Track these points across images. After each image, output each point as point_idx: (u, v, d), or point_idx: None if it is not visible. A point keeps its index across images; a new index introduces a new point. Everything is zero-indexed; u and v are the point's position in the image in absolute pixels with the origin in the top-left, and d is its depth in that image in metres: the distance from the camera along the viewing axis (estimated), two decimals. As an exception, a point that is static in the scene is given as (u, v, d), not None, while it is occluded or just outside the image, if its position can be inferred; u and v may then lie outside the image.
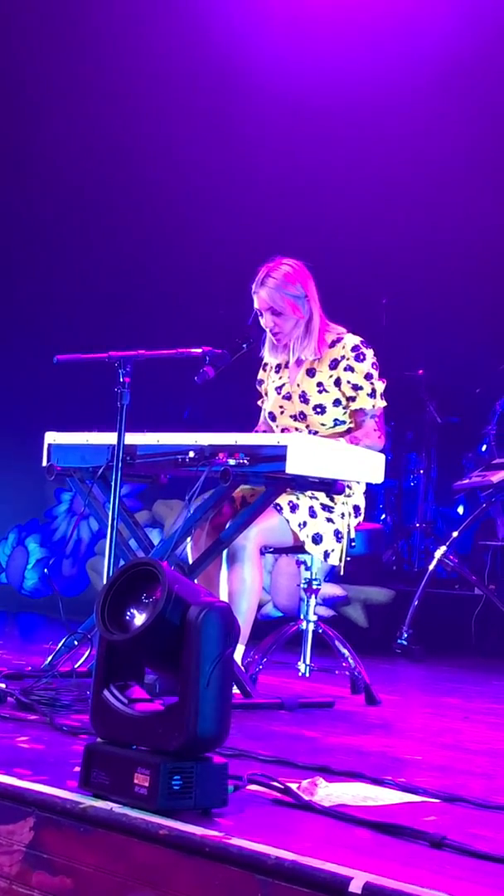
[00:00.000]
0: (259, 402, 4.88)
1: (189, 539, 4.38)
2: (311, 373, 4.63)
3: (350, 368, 4.57)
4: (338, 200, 8.45)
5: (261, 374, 4.86)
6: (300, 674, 4.55)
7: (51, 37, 9.01)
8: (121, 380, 4.10)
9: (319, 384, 4.60)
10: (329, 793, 2.69)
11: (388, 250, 8.40)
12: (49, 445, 4.65)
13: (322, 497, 4.46)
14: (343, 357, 4.59)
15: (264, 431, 4.74)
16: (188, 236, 8.80)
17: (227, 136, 8.84)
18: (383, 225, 8.41)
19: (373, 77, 8.45)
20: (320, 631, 4.55)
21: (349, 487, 4.45)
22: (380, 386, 4.59)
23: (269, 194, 8.69)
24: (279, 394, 4.71)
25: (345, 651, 4.54)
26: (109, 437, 4.24)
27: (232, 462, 4.02)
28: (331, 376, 4.59)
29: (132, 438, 4.25)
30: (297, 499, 4.42)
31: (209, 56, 8.86)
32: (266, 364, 4.81)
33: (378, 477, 4.32)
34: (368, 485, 4.54)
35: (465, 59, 8.15)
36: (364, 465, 4.28)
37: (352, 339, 4.62)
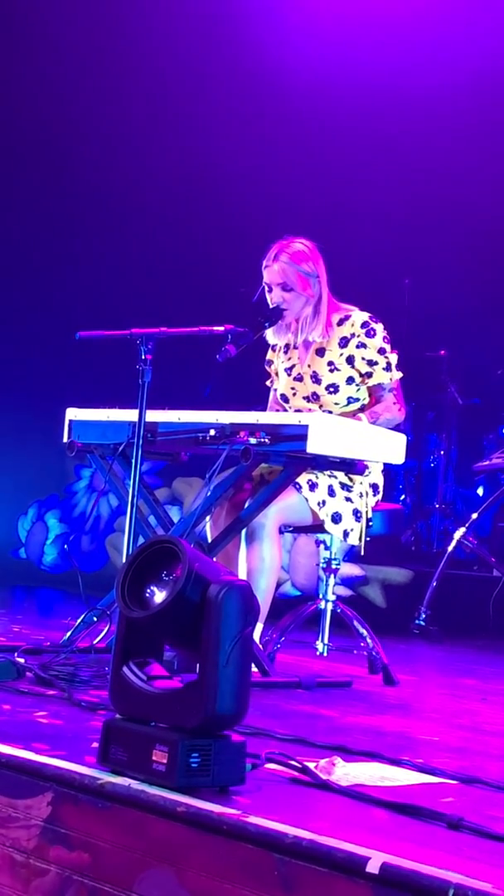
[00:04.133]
0: (268, 383, 4.86)
1: (209, 517, 4.38)
2: (320, 353, 4.61)
3: (362, 345, 4.55)
4: (360, 179, 8.42)
5: (269, 355, 4.83)
6: (318, 653, 4.55)
7: (61, 15, 8.98)
8: (142, 357, 4.09)
9: (330, 363, 4.58)
10: (346, 772, 2.69)
11: (411, 230, 8.37)
12: (70, 422, 4.64)
13: (341, 476, 4.45)
14: (353, 335, 4.56)
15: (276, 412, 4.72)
16: (210, 214, 8.77)
17: (249, 112, 8.81)
18: (406, 204, 8.36)
19: (397, 55, 8.40)
20: (338, 611, 4.54)
21: (368, 467, 4.43)
22: (394, 358, 4.58)
23: (291, 173, 8.66)
24: (290, 375, 4.68)
25: (363, 631, 4.54)
26: (130, 415, 4.23)
27: (253, 441, 4.01)
28: (341, 354, 4.57)
29: (153, 416, 4.24)
30: (317, 477, 4.40)
31: (226, 33, 8.82)
32: (275, 345, 4.79)
33: (399, 457, 4.31)
34: (388, 465, 4.52)
35: (492, 44, 8.10)
36: (385, 446, 4.26)
37: (360, 316, 4.60)
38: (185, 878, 2.24)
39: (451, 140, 8.35)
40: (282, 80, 8.70)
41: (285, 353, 4.74)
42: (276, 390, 4.78)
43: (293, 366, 4.68)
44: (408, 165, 8.38)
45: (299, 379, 4.65)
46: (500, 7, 8.18)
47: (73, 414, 4.65)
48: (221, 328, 4.21)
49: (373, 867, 2.00)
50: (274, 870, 2.12)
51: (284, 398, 4.70)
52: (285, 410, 4.67)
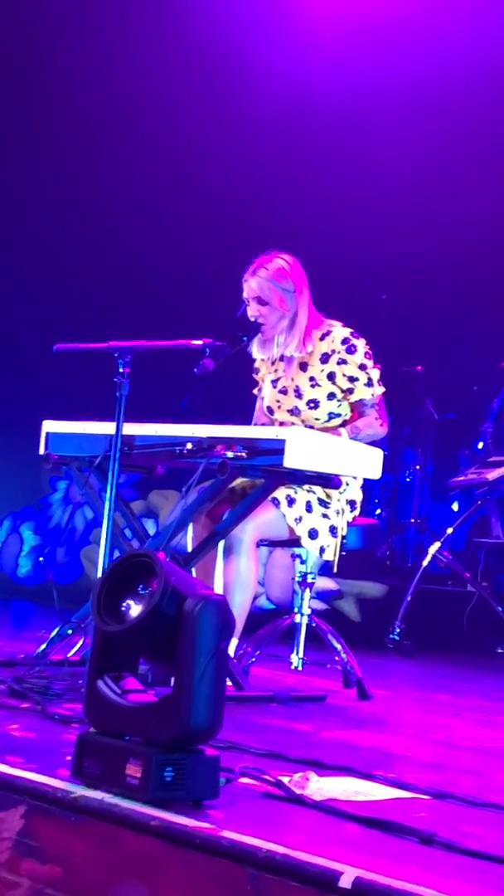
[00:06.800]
0: (255, 391, 4.88)
1: (188, 529, 4.39)
2: (303, 367, 4.63)
3: (343, 361, 4.57)
4: (339, 195, 8.44)
5: (257, 363, 4.85)
6: (293, 667, 4.55)
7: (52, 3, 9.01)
8: (120, 370, 4.10)
9: (312, 378, 4.60)
10: (320, 787, 2.70)
11: (389, 246, 8.39)
12: (47, 434, 4.64)
13: (319, 491, 4.46)
14: (334, 351, 4.59)
15: (263, 423, 4.74)
16: (190, 227, 8.79)
17: (230, 125, 8.83)
18: (384, 220, 8.40)
19: (378, 70, 8.44)
20: (313, 624, 4.55)
21: (346, 483, 4.44)
22: (375, 373, 4.60)
23: (272, 187, 8.69)
24: (275, 387, 4.71)
25: (337, 645, 4.55)
26: (108, 427, 4.23)
27: (230, 454, 4.01)
28: (322, 370, 4.59)
29: (130, 429, 4.24)
30: (295, 493, 4.42)
31: (214, 42, 8.84)
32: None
33: (376, 472, 4.32)
34: (366, 479, 4.54)
35: (470, 59, 8.14)
36: (362, 461, 4.28)
37: (341, 332, 4.62)
38: (158, 892, 2.24)
39: (430, 156, 8.39)
40: (264, 93, 8.73)
41: (272, 364, 4.77)
42: (262, 399, 4.80)
43: (279, 378, 4.71)
44: (386, 179, 8.41)
45: (283, 392, 4.68)
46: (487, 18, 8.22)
47: (49, 426, 4.65)
48: (199, 342, 4.22)
49: (346, 882, 2.01)
50: (247, 884, 2.12)
51: (270, 410, 4.73)
52: (271, 422, 4.69)
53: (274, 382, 4.73)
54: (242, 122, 8.81)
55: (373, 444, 4.47)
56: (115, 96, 8.94)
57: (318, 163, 8.61)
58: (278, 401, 4.69)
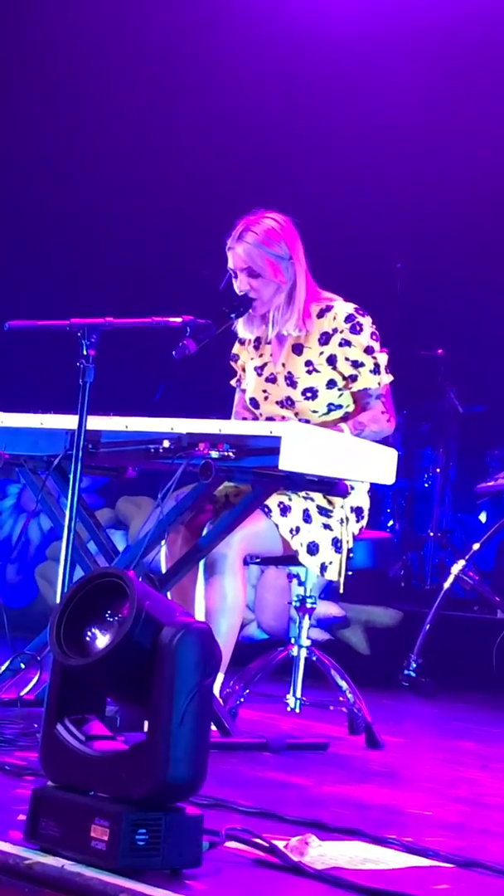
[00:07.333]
0: (233, 382, 4.86)
1: (161, 545, 4.38)
2: (297, 350, 4.61)
3: (346, 343, 4.56)
4: (342, 143, 8.44)
5: (236, 348, 4.82)
6: (289, 709, 4.54)
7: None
8: (84, 353, 4.09)
9: (308, 363, 4.59)
10: (322, 853, 2.70)
11: (404, 205, 8.39)
12: (-5, 428, 4.63)
13: (319, 498, 4.46)
14: (336, 330, 4.57)
15: (243, 419, 4.73)
16: (167, 185, 8.77)
17: (215, 63, 8.81)
18: (398, 175, 8.39)
19: (398, 15, 8.43)
20: (314, 658, 4.55)
21: (352, 487, 4.44)
22: (383, 359, 4.59)
23: (265, 138, 8.69)
24: (260, 375, 4.69)
25: (342, 683, 4.54)
26: (69, 421, 4.22)
27: (214, 454, 4.00)
28: (322, 353, 4.58)
29: (96, 423, 4.23)
30: (290, 500, 4.41)
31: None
32: (243, 338, 4.78)
33: (389, 476, 4.31)
34: (375, 485, 4.54)
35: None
36: (373, 462, 4.26)
37: (344, 308, 4.61)
38: None
39: (454, 95, 8.38)
40: (261, 37, 8.71)
41: (256, 348, 4.74)
42: (243, 392, 4.79)
43: (265, 364, 4.69)
44: (400, 125, 8.39)
45: (272, 380, 4.66)
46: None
47: (-1, 419, 4.64)
48: (179, 319, 4.21)
49: None
50: None
51: (254, 403, 4.70)
52: (255, 418, 4.68)
53: (259, 370, 4.70)
54: (230, 59, 8.79)
55: (384, 441, 4.47)
56: (79, 35, 8.93)
57: (318, 106, 8.60)
58: (265, 391, 4.68)
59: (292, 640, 4.56)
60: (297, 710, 4.55)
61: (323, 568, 4.45)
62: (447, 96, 8.39)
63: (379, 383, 4.59)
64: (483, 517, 8.08)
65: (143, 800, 2.44)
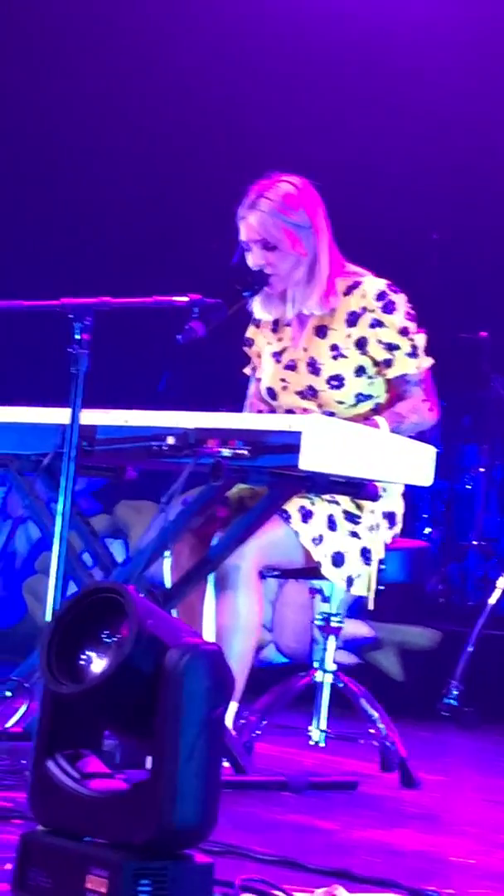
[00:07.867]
0: (247, 370, 4.86)
1: (166, 556, 4.38)
2: (321, 332, 4.61)
3: (378, 323, 4.55)
4: (370, 99, 8.45)
5: (250, 332, 4.81)
6: (312, 742, 4.56)
7: None
8: (77, 337, 4.09)
9: (334, 347, 4.58)
10: (351, 906, 2.70)
11: (441, 171, 8.39)
12: (-23, 424, 4.65)
13: (345, 502, 4.46)
14: (365, 309, 4.56)
15: (259, 412, 4.73)
16: (171, 148, 8.78)
17: (228, 20, 8.82)
18: (433, 132, 8.40)
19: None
20: (340, 685, 4.56)
21: (384, 490, 4.44)
22: (421, 340, 4.58)
23: (283, 91, 8.69)
24: (279, 362, 4.68)
25: (373, 713, 4.55)
26: (60, 415, 4.23)
27: (226, 452, 4.01)
28: (349, 335, 4.57)
29: (91, 417, 4.24)
30: (312, 504, 4.42)
31: None
32: (259, 320, 4.78)
33: (426, 478, 4.30)
34: (410, 487, 4.54)
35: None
36: (407, 461, 4.25)
37: (374, 284, 4.60)
38: None
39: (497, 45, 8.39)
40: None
41: (273, 331, 4.74)
42: (258, 381, 4.79)
43: (284, 349, 4.69)
44: (437, 87, 8.41)
45: (291, 367, 4.66)
46: None
47: (-20, 414, 4.65)
48: (185, 299, 4.20)
49: None
50: None
51: (271, 393, 4.70)
52: (272, 410, 4.68)
53: (277, 356, 4.70)
54: (242, 6, 8.80)
55: (420, 437, 4.46)
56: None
57: (342, 59, 8.60)
58: (284, 380, 4.67)
59: (315, 665, 4.57)
60: (322, 744, 4.56)
61: (350, 582, 4.45)
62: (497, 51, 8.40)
63: (418, 367, 4.58)
64: (534, 523, 8.08)
65: (146, 846, 2.44)
